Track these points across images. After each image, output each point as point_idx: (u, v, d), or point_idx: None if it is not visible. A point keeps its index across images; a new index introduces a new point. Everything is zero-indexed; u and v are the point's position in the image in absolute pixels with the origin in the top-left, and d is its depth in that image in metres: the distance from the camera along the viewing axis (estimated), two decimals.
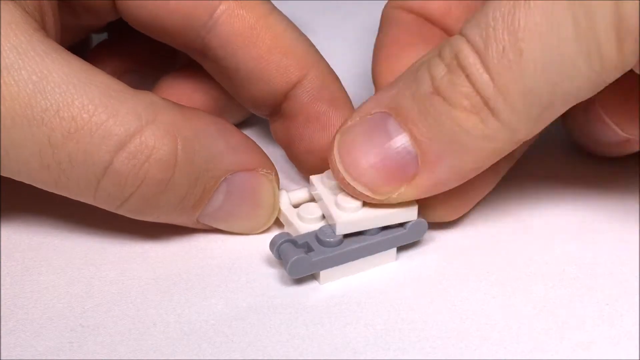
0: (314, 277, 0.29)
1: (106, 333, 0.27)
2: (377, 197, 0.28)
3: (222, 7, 0.32)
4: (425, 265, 0.30)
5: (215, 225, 0.31)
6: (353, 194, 0.28)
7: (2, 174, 0.28)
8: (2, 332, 0.27)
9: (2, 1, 0.28)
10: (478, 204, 0.32)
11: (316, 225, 0.29)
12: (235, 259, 0.30)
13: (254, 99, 0.33)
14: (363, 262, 0.29)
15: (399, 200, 0.28)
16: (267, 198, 0.30)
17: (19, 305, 0.28)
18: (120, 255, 0.30)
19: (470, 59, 0.26)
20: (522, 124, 0.26)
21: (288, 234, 0.29)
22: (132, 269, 0.30)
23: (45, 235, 0.31)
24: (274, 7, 0.33)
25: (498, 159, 0.28)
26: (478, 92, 0.26)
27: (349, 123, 0.28)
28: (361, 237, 0.29)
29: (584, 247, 0.31)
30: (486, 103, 0.26)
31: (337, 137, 0.28)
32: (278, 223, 0.31)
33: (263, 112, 0.34)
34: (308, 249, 0.29)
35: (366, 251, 0.29)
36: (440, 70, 0.27)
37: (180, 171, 0.28)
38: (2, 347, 0.27)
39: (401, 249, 0.30)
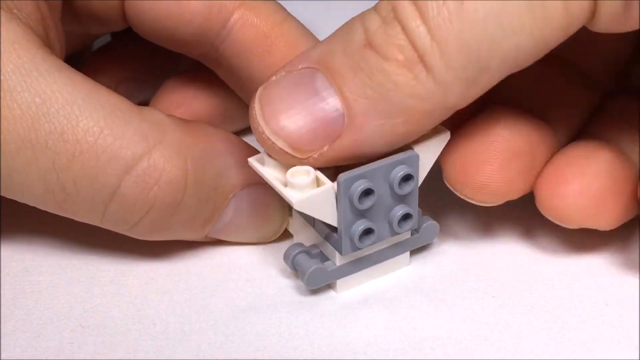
0: (329, 286, 0.29)
1: (106, 333, 0.27)
2: (298, 156, 0.26)
3: (236, 16, 0.31)
4: (437, 268, 0.30)
5: (223, 239, 0.30)
6: (272, 151, 0.26)
7: (6, 196, 0.28)
8: (2, 332, 0.27)
9: (4, 19, 0.27)
10: (485, 209, 0.32)
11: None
12: (235, 259, 0.30)
13: None
14: (378, 267, 0.29)
15: (320, 163, 0.26)
16: (275, 210, 0.30)
17: (19, 306, 0.28)
18: (120, 255, 0.30)
19: (408, 10, 0.24)
20: (455, 85, 0.25)
21: (301, 244, 0.29)
22: (131, 269, 0.30)
23: (46, 236, 0.31)
24: (288, 14, 0.32)
25: (430, 124, 0.26)
26: (414, 45, 0.24)
27: (273, 78, 0.26)
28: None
29: (584, 247, 0.31)
30: (421, 57, 0.24)
31: (259, 90, 0.26)
32: (286, 232, 0.31)
33: None
34: (322, 258, 0.29)
35: (381, 256, 0.29)
36: (374, 22, 0.25)
37: (190, 192, 0.28)
38: (2, 347, 0.27)
39: (414, 252, 0.30)
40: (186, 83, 0.35)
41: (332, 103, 0.26)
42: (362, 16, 0.26)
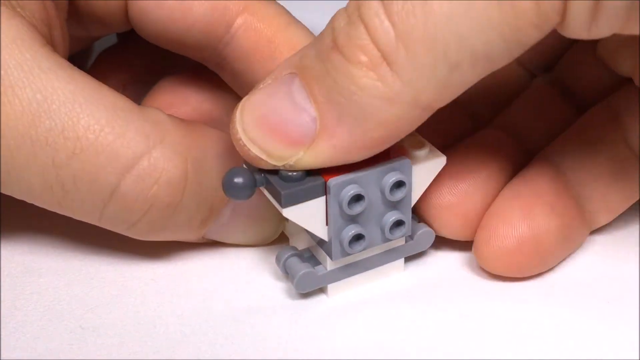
0: (321, 290, 0.29)
1: (106, 334, 0.27)
2: (273, 162, 0.26)
3: (240, 20, 0.31)
4: (432, 275, 0.30)
5: (221, 240, 0.30)
6: (248, 157, 0.26)
7: (5, 193, 0.28)
8: (2, 333, 0.27)
9: (7, 16, 0.27)
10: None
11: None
12: (235, 259, 0.30)
13: None
14: (371, 273, 0.29)
15: (298, 167, 0.26)
16: (272, 213, 0.30)
17: (19, 307, 0.28)
18: (119, 256, 0.30)
19: (373, 7, 0.23)
20: (426, 84, 0.24)
21: (294, 247, 0.29)
22: (131, 269, 0.30)
23: (46, 236, 0.31)
24: (293, 19, 0.32)
25: (406, 127, 0.25)
26: (377, 44, 0.23)
27: (259, 85, 0.26)
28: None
29: (584, 247, 0.31)
30: (386, 57, 0.23)
31: (243, 99, 0.26)
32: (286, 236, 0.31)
33: None
34: (314, 262, 0.29)
35: (374, 262, 0.29)
36: (341, 21, 0.24)
37: (189, 193, 0.28)
38: (2, 348, 0.27)
39: (408, 259, 0.30)
40: (178, 85, 0.35)
41: (303, 108, 0.25)
42: (335, 14, 0.25)
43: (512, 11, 0.23)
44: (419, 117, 0.25)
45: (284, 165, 0.26)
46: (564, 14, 0.23)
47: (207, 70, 0.34)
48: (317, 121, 0.25)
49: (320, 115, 0.25)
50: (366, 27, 0.24)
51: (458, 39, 0.23)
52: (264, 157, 0.26)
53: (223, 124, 0.34)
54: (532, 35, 0.23)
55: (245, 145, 0.26)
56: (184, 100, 0.35)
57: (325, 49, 0.25)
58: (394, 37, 0.23)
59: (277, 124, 0.25)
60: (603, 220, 0.30)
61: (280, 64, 0.26)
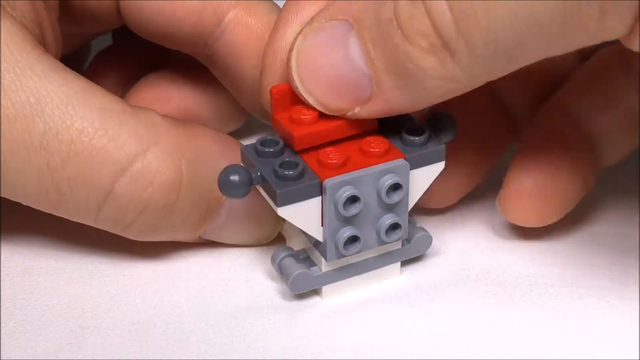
0: (316, 292, 0.29)
1: (105, 334, 0.27)
2: (330, 113, 0.26)
3: (230, 15, 0.31)
4: (429, 280, 0.30)
5: (217, 240, 0.30)
6: (307, 104, 0.27)
7: (0, 196, 0.28)
8: (1, 333, 0.27)
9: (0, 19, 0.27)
10: (479, 212, 0.32)
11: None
12: (234, 259, 0.30)
13: (260, 107, 0.33)
14: (367, 276, 0.29)
15: (354, 118, 0.27)
16: (269, 213, 0.30)
17: (18, 307, 0.28)
18: (119, 256, 0.30)
19: None
20: (482, 71, 0.24)
21: (289, 248, 0.29)
22: (131, 269, 0.30)
23: (45, 236, 0.31)
24: None
25: (456, 95, 0.26)
26: (438, 32, 0.24)
27: (314, 24, 0.26)
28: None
29: (584, 247, 0.31)
30: (446, 45, 0.24)
31: (299, 40, 0.26)
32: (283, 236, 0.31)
33: (269, 119, 0.34)
34: (310, 263, 0.29)
35: (370, 265, 0.29)
36: None
37: (184, 194, 0.28)
38: (1, 348, 0.27)
39: (405, 263, 0.30)
40: (161, 82, 0.35)
41: (360, 67, 0.25)
42: None
43: (576, 27, 0.23)
44: (470, 89, 0.25)
45: (341, 115, 0.27)
46: (631, 29, 0.23)
47: (191, 68, 0.34)
48: (373, 82, 0.25)
49: (376, 79, 0.25)
50: (428, 13, 0.24)
51: (518, 43, 0.23)
52: (320, 108, 0.26)
53: (206, 122, 0.34)
54: (590, 44, 0.24)
55: (302, 94, 0.26)
56: (165, 98, 0.34)
57: (384, 18, 0.24)
58: (455, 31, 0.23)
59: (334, 81, 0.26)
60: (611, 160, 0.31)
61: (334, 3, 0.26)
